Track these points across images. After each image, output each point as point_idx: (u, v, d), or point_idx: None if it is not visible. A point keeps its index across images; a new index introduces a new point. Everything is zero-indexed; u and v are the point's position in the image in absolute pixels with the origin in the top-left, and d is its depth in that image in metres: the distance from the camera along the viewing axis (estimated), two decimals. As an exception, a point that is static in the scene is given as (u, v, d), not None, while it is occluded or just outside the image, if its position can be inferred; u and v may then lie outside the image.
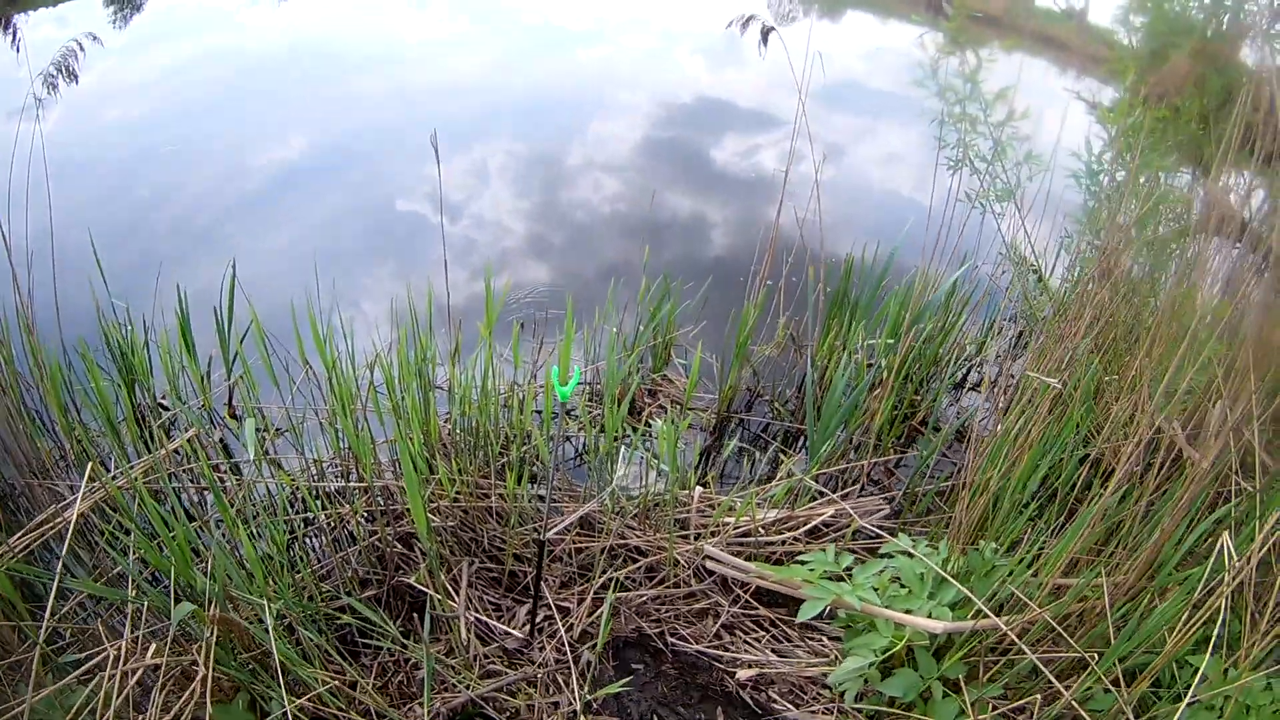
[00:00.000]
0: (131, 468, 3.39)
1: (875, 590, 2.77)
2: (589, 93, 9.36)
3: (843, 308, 4.33)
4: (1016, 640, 2.59)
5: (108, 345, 3.90)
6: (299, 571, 3.04)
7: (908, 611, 2.72)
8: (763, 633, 3.30)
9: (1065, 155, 3.52)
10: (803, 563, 2.93)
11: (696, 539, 3.45)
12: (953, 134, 3.64)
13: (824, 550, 2.93)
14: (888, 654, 2.68)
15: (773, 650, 3.24)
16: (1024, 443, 3.03)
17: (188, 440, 3.57)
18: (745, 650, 3.23)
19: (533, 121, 8.41)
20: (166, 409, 4.03)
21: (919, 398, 4.30)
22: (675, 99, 9.20)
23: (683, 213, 6.81)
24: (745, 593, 3.38)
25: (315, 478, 3.48)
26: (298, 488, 3.31)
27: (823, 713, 2.99)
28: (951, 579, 2.71)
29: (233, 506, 3.18)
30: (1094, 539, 2.81)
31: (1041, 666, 2.54)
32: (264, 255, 5.71)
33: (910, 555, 2.84)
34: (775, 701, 3.07)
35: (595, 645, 3.08)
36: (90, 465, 2.94)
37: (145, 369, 3.92)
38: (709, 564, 3.30)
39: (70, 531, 2.78)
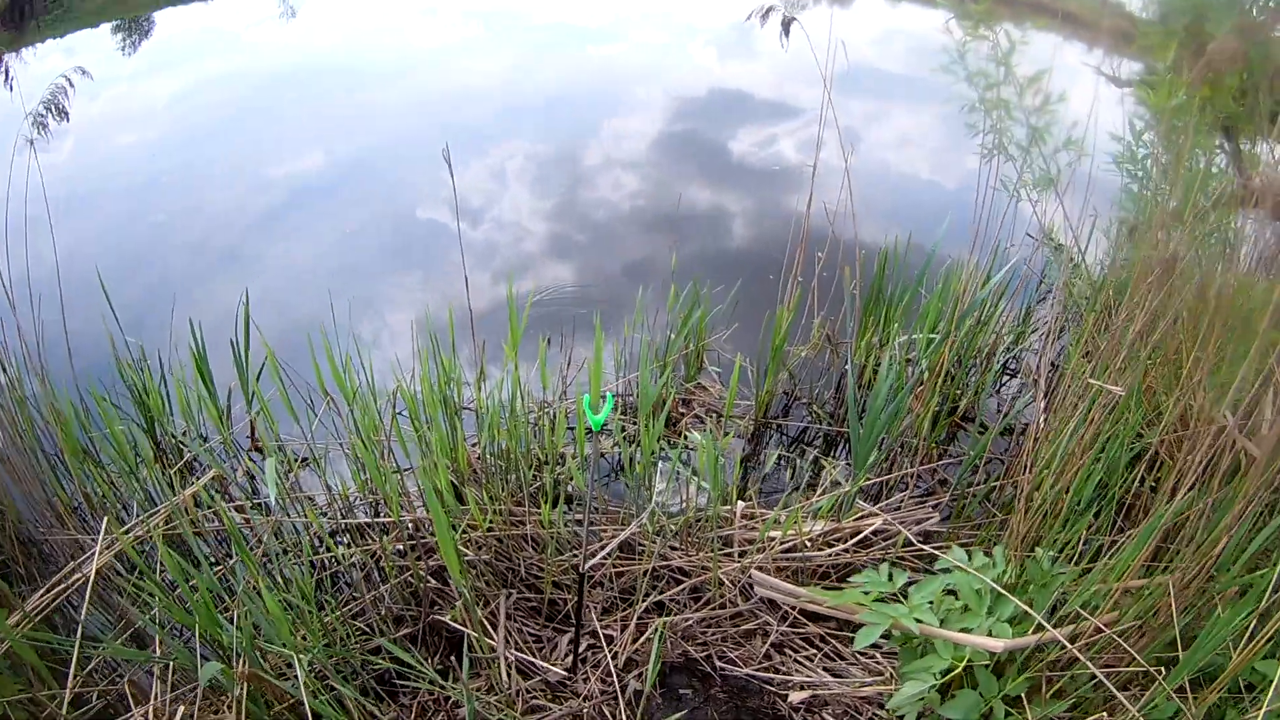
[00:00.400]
0: (151, 515, 3.26)
1: (931, 607, 2.60)
2: (603, 90, 9.19)
3: (879, 304, 4.15)
4: (1079, 656, 2.42)
5: (125, 383, 3.77)
6: (331, 612, 2.93)
7: (966, 630, 2.56)
8: (814, 650, 3.15)
9: (1101, 137, 3.34)
10: (853, 584, 2.76)
11: (741, 556, 3.30)
12: (984, 120, 3.45)
13: (876, 570, 2.76)
14: (948, 676, 2.51)
15: (825, 669, 3.09)
16: (1079, 446, 2.86)
17: (206, 485, 3.44)
18: (797, 671, 3.08)
19: (549, 122, 8.27)
20: (189, 446, 3.90)
21: (959, 392, 4.12)
22: (691, 92, 9.02)
23: (705, 206, 6.65)
24: (794, 610, 3.23)
25: (343, 512, 3.35)
26: (324, 525, 3.18)
27: (882, 735, 2.84)
28: (1009, 595, 2.54)
29: (260, 545, 3.06)
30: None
31: (1105, 680, 2.37)
32: (287, 272, 5.64)
33: (965, 570, 2.67)
34: (830, 725, 2.93)
35: (641, 674, 2.95)
36: (106, 520, 2.84)
37: (160, 407, 3.78)
38: (757, 589, 3.14)
39: (89, 590, 2.67)
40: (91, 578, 2.73)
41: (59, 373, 3.71)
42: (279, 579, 2.94)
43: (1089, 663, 2.40)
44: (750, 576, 3.16)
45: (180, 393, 3.75)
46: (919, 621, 2.54)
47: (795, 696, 2.95)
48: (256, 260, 5.80)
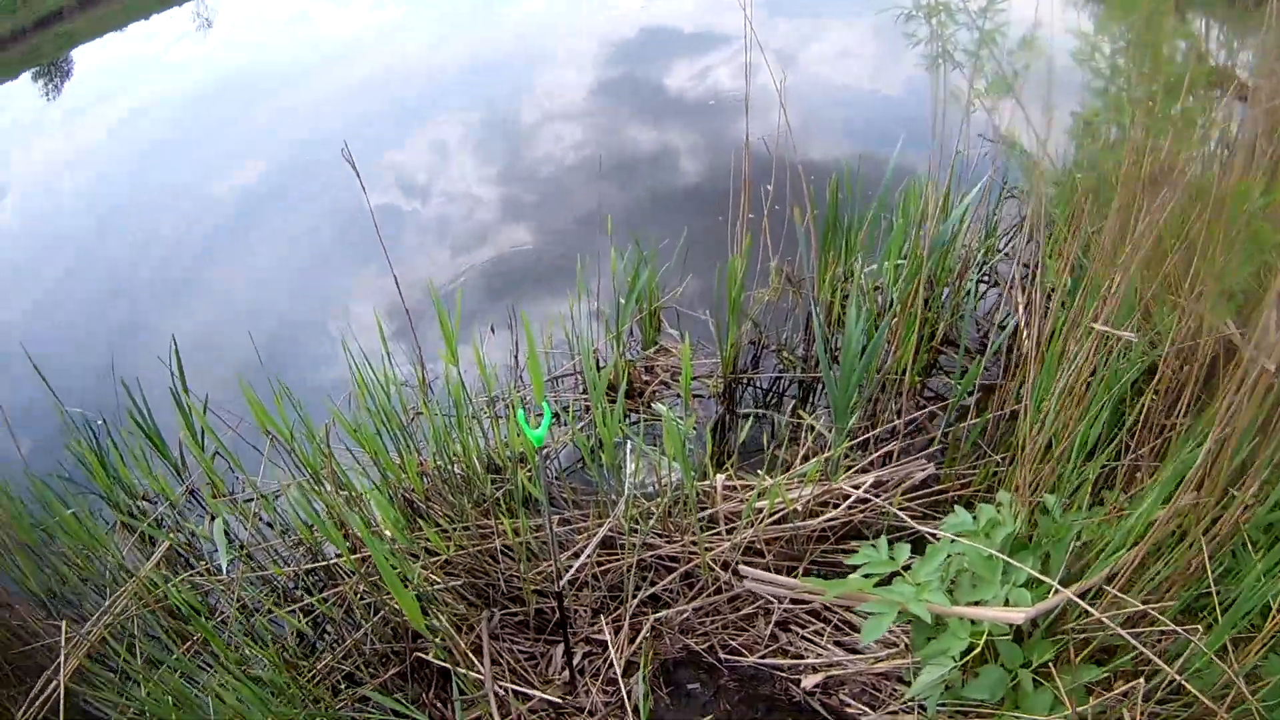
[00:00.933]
0: (114, 599, 2.88)
1: (940, 583, 2.25)
2: (531, 48, 8.68)
3: (836, 234, 3.73)
4: (1106, 621, 2.09)
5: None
6: (310, 667, 2.65)
7: (981, 602, 2.22)
8: (821, 624, 2.81)
9: (1057, 34, 2.91)
10: (853, 566, 2.40)
11: (729, 532, 2.94)
12: (924, 27, 3.02)
13: (874, 545, 2.40)
14: (967, 656, 2.18)
15: (836, 643, 2.76)
16: (1079, 380, 2.50)
17: (163, 557, 3.06)
18: (806, 650, 2.75)
19: (481, 88, 7.85)
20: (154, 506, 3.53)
21: (934, 315, 3.72)
22: (618, 36, 8.55)
23: (649, 148, 6.26)
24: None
25: (311, 554, 2.99)
26: (290, 573, 2.85)
27: (903, 713, 2.51)
28: (1018, 564, 2.19)
29: (235, 604, 2.73)
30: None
31: (1136, 643, 2.05)
32: (248, 286, 5.37)
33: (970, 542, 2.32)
34: (849, 705, 2.61)
35: (644, 677, 2.62)
36: (64, 623, 2.52)
37: (107, 480, 3.42)
38: (748, 584, 2.78)
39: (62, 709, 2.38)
40: (62, 694, 2.44)
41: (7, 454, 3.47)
42: (249, 648, 2.59)
43: (1117, 628, 2.09)
44: (738, 569, 2.80)
45: (120, 464, 3.44)
46: (929, 603, 2.20)
47: (808, 681, 2.63)
48: (216, 282, 5.50)
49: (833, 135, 4.86)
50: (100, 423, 3.65)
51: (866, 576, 2.30)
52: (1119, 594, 2.18)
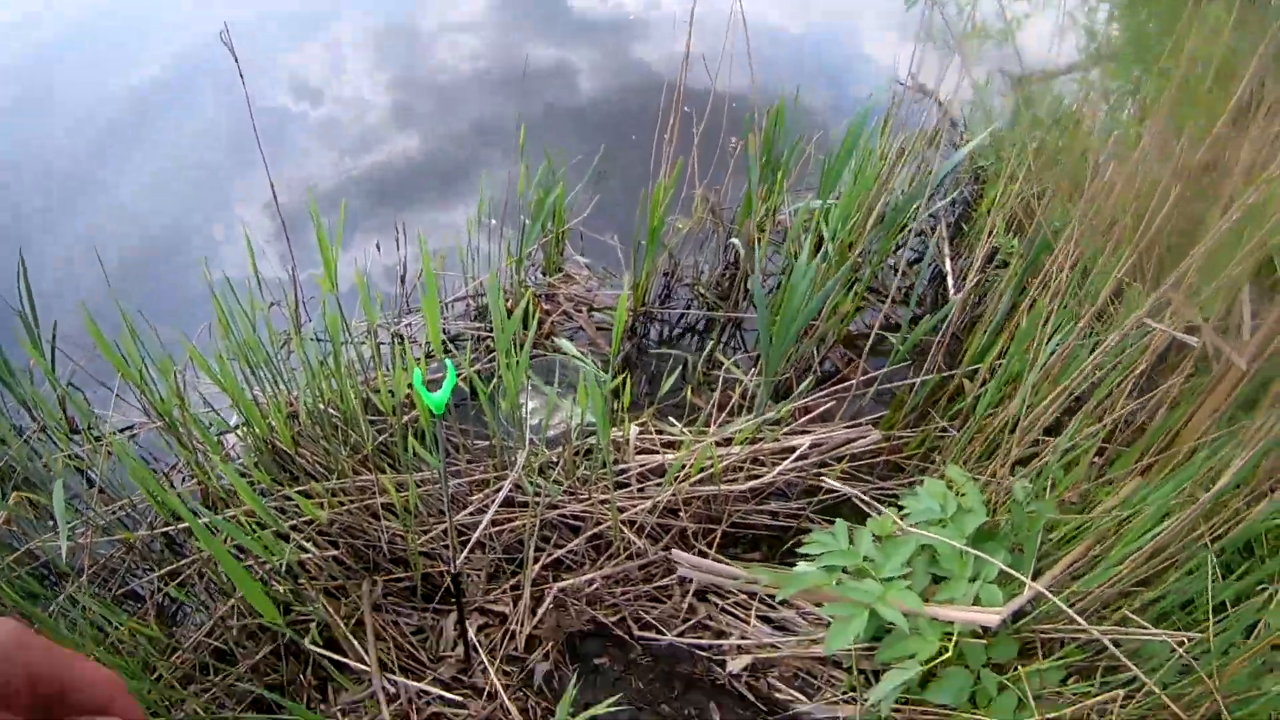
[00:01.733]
0: None
1: (908, 582, 1.96)
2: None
3: (769, 170, 3.32)
4: (1083, 624, 1.85)
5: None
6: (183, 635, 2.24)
7: (950, 600, 1.95)
8: (745, 596, 2.50)
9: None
10: (806, 555, 2.07)
11: (642, 491, 2.60)
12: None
13: (830, 532, 2.08)
14: (934, 661, 1.91)
15: (763, 619, 2.46)
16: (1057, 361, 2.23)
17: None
18: (730, 626, 2.45)
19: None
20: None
21: (860, 260, 3.38)
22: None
23: (550, 64, 5.76)
24: (712, 547, 2.59)
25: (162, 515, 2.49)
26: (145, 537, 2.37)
27: (844, 702, 2.24)
28: (995, 561, 1.92)
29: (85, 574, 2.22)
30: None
31: (1115, 650, 1.82)
32: (134, 189, 4.71)
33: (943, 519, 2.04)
34: (779, 690, 2.32)
35: (547, 654, 2.29)
36: None
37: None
38: (680, 572, 2.43)
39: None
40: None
41: None
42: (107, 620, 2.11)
43: (1094, 630, 1.87)
44: (670, 555, 2.44)
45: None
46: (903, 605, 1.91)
47: (734, 665, 2.33)
48: (103, 183, 4.80)
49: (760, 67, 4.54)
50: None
51: (825, 569, 1.99)
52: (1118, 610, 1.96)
